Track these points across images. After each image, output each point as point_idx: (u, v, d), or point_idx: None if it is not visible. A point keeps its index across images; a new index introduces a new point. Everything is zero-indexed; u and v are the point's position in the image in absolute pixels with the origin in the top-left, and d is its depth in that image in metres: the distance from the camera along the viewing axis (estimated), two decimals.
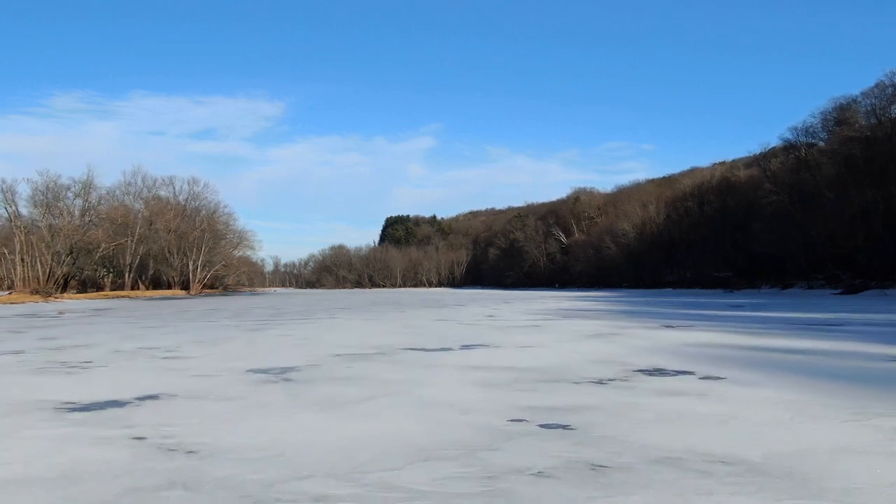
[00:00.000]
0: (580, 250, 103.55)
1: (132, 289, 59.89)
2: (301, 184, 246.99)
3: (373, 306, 33.70)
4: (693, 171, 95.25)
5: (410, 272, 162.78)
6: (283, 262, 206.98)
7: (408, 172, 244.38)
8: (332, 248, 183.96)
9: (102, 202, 58.53)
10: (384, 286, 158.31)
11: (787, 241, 66.45)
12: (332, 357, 9.81)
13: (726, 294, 62.55)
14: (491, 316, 22.45)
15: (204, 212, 73.70)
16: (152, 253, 65.83)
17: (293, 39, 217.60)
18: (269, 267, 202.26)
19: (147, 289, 64.04)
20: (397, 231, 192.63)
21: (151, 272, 67.85)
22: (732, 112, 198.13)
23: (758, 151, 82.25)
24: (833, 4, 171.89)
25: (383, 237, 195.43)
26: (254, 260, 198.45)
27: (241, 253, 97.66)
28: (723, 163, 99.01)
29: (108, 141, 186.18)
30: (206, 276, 72.92)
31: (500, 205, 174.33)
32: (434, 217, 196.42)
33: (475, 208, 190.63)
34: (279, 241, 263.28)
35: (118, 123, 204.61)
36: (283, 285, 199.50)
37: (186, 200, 75.22)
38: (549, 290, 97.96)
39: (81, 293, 55.30)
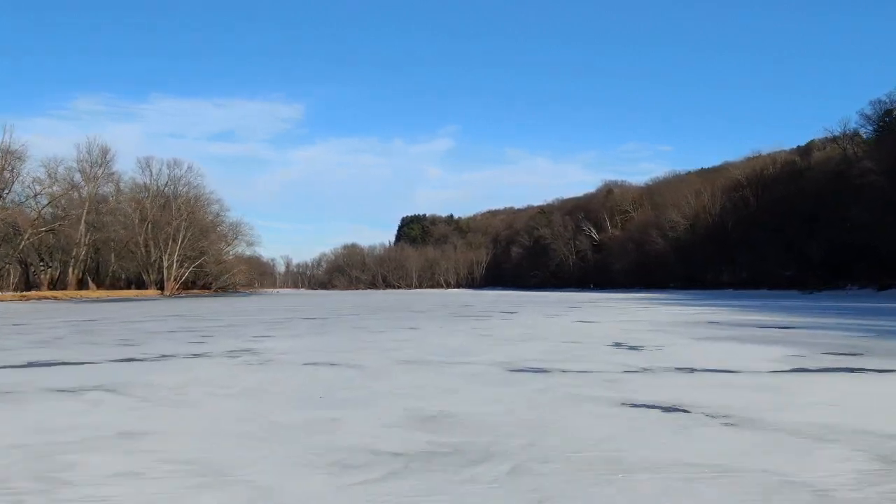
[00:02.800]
0: (618, 246, 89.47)
1: (80, 287, 47.04)
2: (319, 186, 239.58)
3: (373, 314, 20.29)
4: (748, 159, 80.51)
5: (427, 272, 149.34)
6: (295, 262, 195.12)
7: (426, 174, 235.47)
8: (345, 247, 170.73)
9: (34, 175, 45.38)
10: (399, 287, 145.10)
11: (890, 228, 52.53)
12: None
13: (812, 296, 48.61)
14: (634, 348, 8.86)
15: (182, 198, 60.46)
16: (114, 245, 53.16)
17: (312, 42, 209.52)
18: (280, 267, 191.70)
19: (102, 287, 51.08)
20: (413, 230, 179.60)
21: (112, 267, 55.02)
22: (749, 113, 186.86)
23: (837, 132, 68.11)
24: (838, 6, 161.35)
25: (399, 237, 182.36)
26: (264, 260, 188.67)
27: (237, 249, 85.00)
28: (782, 151, 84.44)
29: (129, 143, 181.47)
30: (183, 273, 59.84)
31: (520, 205, 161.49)
32: (451, 216, 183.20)
33: (493, 208, 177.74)
34: (298, 243, 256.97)
35: (139, 126, 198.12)
36: (296, 286, 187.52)
37: (165, 185, 62.32)
38: (585, 290, 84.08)
39: (19, 292, 42.53)
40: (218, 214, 71.32)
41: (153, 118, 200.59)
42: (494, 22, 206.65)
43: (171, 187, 63.32)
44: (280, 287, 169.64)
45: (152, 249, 58.75)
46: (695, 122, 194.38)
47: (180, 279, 58.91)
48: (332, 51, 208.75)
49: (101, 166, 52.27)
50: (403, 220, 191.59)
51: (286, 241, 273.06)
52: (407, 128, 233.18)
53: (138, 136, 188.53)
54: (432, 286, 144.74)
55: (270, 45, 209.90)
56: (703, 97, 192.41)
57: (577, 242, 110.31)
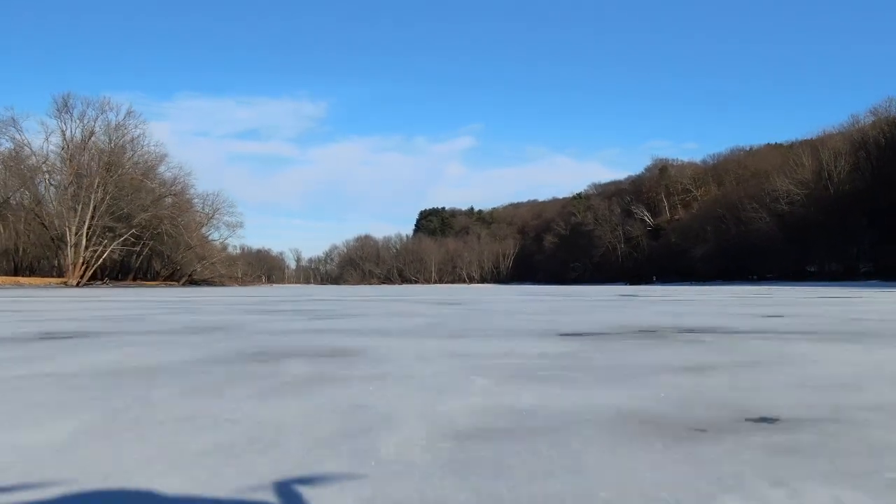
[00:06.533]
0: (696, 229, 68.07)
1: None
2: (341, 184, 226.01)
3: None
4: (875, 112, 58.31)
5: (447, 266, 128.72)
6: (306, 256, 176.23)
7: (447, 172, 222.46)
8: (358, 240, 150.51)
9: None
10: (416, 281, 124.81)
11: None
12: None
13: None
14: None
15: (98, 146, 40.26)
16: None
17: (337, 40, 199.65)
18: (291, 262, 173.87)
19: None
20: (431, 222, 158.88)
21: None
22: (769, 112, 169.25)
23: None
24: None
25: (417, 230, 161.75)
26: (274, 254, 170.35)
27: (217, 234, 65.33)
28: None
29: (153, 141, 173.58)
30: (101, 254, 39.93)
31: (544, 199, 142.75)
32: (472, 209, 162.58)
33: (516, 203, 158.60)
34: (317, 240, 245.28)
35: (164, 124, 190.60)
36: (307, 281, 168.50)
37: (91, 134, 42.41)
38: (646, 283, 63.19)
39: None
40: (178, 180, 51.33)
41: (179, 116, 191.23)
42: (520, 21, 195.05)
43: (106, 139, 43.45)
44: (289, 282, 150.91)
45: (69, 221, 39.07)
46: (716, 119, 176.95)
47: (95, 262, 39.13)
48: (356, 49, 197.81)
49: None
50: (422, 213, 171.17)
51: (305, 240, 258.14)
52: (430, 125, 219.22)
53: (165, 134, 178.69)
54: (453, 281, 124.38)
55: (295, 43, 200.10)
56: (724, 93, 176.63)
57: (627, 228, 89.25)
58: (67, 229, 37.34)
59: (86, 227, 37.78)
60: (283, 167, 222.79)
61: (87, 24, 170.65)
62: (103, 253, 39.65)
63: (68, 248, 37.64)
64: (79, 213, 37.90)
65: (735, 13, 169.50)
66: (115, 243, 39.99)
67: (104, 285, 38.92)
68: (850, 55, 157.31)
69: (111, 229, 39.92)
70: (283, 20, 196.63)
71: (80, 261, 37.49)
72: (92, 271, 38.63)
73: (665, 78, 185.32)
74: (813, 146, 55.44)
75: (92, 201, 37.75)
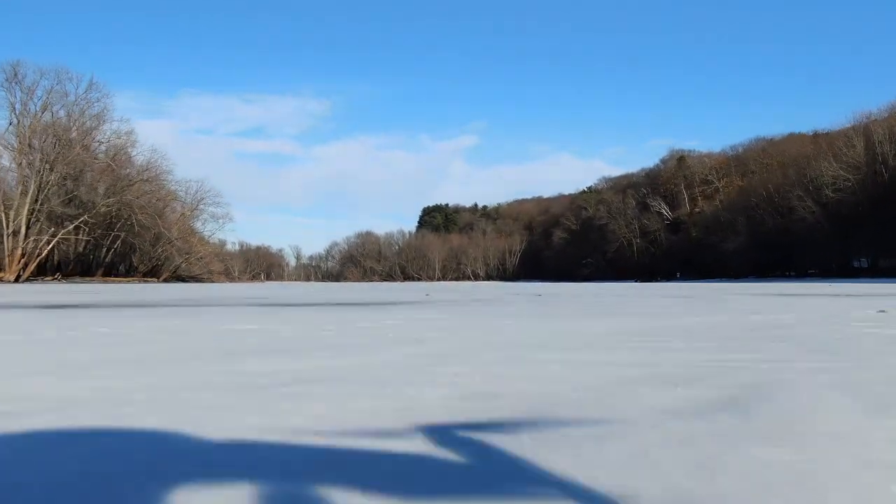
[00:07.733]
0: (720, 219, 61.75)
1: None
2: (345, 182, 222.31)
3: None
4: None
5: (452, 262, 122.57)
6: (307, 253, 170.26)
7: (451, 169, 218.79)
8: (359, 236, 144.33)
9: None
10: (419, 279, 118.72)
11: None
12: None
13: None
14: None
15: (43, 122, 34.01)
16: None
17: (341, 38, 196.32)
18: (290, 259, 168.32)
19: None
20: (435, 219, 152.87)
21: None
22: (772, 106, 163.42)
23: None
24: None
25: (420, 226, 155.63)
26: (273, 251, 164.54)
27: (206, 228, 59.53)
28: None
29: (159, 139, 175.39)
30: (42, 245, 33.78)
31: (549, 195, 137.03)
32: (476, 205, 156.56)
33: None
34: (321, 238, 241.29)
35: (168, 122, 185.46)
36: (307, 279, 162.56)
37: (44, 109, 36.35)
38: (670, 281, 56.88)
39: None
40: (151, 165, 45.22)
41: (183, 114, 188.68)
42: (524, 19, 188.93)
43: (63, 113, 37.28)
44: (289, 279, 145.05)
45: (5, 204, 32.98)
46: (717, 117, 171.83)
47: (40, 253, 33.03)
48: (360, 47, 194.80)
49: None
50: (425, 209, 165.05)
51: (307, 237, 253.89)
52: (434, 123, 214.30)
53: (168, 132, 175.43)
54: (458, 278, 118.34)
55: (300, 40, 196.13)
56: (726, 90, 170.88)
57: (644, 222, 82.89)
58: (3, 214, 31.28)
59: (25, 210, 31.69)
60: (287, 165, 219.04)
61: (89, 22, 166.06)
62: (49, 243, 33.60)
63: (5, 236, 31.60)
64: (18, 196, 31.86)
65: (734, 12, 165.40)
66: (62, 232, 33.90)
67: (53, 281, 32.88)
68: (847, 49, 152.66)
69: (67, 216, 33.83)
70: (287, 17, 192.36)
71: (20, 252, 31.46)
72: (36, 264, 32.60)
73: (666, 76, 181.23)
74: (867, 129, 49.09)
75: (34, 182, 31.65)
